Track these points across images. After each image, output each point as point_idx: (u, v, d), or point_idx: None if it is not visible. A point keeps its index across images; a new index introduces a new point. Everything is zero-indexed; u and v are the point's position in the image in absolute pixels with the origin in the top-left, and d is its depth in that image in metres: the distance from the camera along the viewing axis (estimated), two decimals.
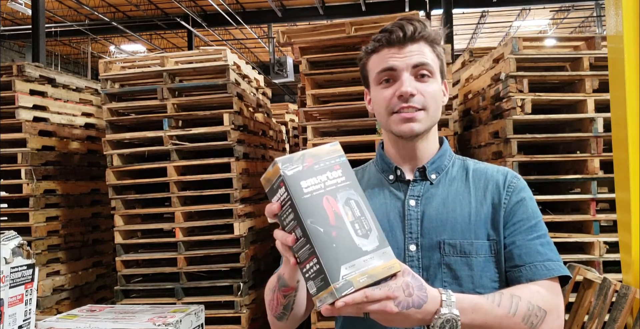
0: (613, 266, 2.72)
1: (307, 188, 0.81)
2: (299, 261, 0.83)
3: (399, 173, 1.11)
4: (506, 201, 1.06)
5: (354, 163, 1.26)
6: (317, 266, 0.79)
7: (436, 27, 1.08)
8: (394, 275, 0.83)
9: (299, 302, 1.03)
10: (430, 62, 1.05)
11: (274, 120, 5.06)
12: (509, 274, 1.04)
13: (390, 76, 1.06)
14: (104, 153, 3.51)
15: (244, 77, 3.91)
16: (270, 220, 0.88)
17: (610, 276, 1.99)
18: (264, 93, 4.50)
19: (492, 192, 1.07)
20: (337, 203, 0.82)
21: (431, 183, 1.09)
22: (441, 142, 1.15)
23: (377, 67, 1.07)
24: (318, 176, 0.83)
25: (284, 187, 0.82)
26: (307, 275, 0.82)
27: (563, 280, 1.03)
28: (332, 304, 0.78)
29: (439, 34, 1.08)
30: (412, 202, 1.07)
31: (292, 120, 6.37)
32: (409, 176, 1.11)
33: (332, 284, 0.77)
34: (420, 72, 1.05)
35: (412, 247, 1.04)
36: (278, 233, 0.86)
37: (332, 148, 0.87)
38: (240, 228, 3.36)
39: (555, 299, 1.00)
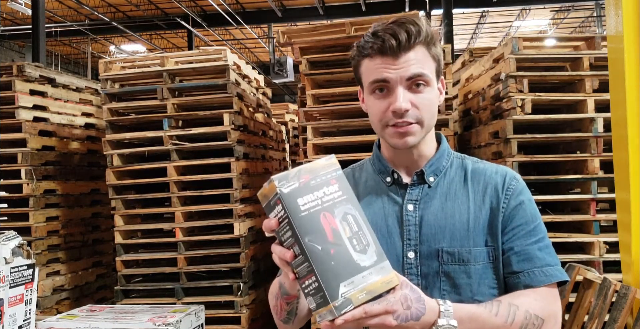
0: (613, 266, 2.72)
1: (304, 205, 0.81)
2: (297, 276, 0.83)
3: (396, 176, 1.09)
4: (505, 205, 1.04)
5: (353, 163, 1.25)
6: (316, 284, 0.79)
7: (436, 27, 1.06)
8: (392, 288, 0.83)
9: (302, 307, 1.04)
10: (425, 72, 1.00)
11: (274, 120, 5.05)
12: (507, 280, 1.03)
13: (383, 87, 1.02)
14: (104, 153, 3.51)
15: (244, 77, 3.91)
16: (267, 235, 0.88)
17: (610, 276, 1.99)
18: (264, 93, 4.50)
19: (491, 196, 1.05)
20: (334, 219, 0.82)
21: (429, 186, 1.07)
22: (439, 140, 1.13)
23: (370, 76, 1.03)
24: (315, 192, 0.82)
25: (281, 205, 0.81)
26: (306, 291, 0.82)
27: (562, 282, 1.04)
28: (332, 321, 0.78)
29: (435, 34, 1.04)
30: (410, 207, 1.05)
31: (292, 120, 6.37)
32: (406, 179, 1.09)
33: (331, 302, 0.77)
34: (415, 82, 1.00)
35: (411, 254, 1.03)
36: (276, 248, 0.86)
37: (328, 162, 0.87)
38: (240, 228, 3.36)
39: (553, 307, 1.00)
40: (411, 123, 1.01)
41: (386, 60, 1.00)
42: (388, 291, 0.82)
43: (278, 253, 0.85)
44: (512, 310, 0.94)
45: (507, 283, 1.03)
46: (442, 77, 1.10)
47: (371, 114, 1.06)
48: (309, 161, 0.93)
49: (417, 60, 1.00)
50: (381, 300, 0.81)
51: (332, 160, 0.87)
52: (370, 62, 1.02)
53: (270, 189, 0.82)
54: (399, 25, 0.99)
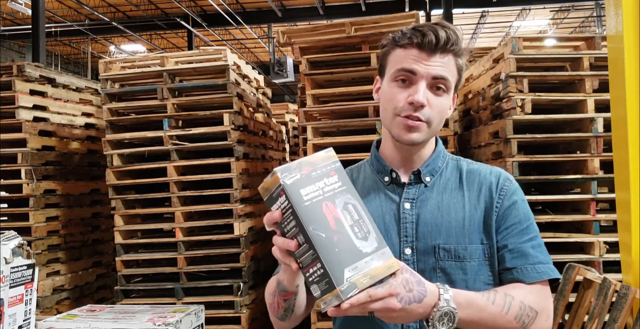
0: (613, 266, 2.72)
1: (307, 195, 0.83)
2: (301, 266, 0.86)
3: (394, 175, 1.12)
4: (498, 205, 1.07)
5: (353, 163, 1.26)
6: (321, 271, 0.81)
7: None
8: (393, 273, 0.86)
9: (299, 304, 1.05)
10: (449, 78, 1.04)
11: (274, 120, 5.05)
12: (501, 276, 1.06)
13: (407, 78, 1.04)
14: (104, 153, 3.51)
15: (244, 77, 3.91)
16: (268, 228, 0.90)
17: (610, 276, 1.99)
18: (264, 93, 4.50)
19: (485, 196, 1.08)
20: (336, 208, 0.85)
21: (425, 186, 1.10)
22: (435, 142, 1.16)
23: (398, 64, 1.05)
24: (316, 183, 0.85)
25: (284, 196, 0.83)
26: (310, 279, 0.84)
27: (552, 280, 1.06)
28: (338, 306, 0.81)
29: (466, 48, 1.08)
30: (407, 205, 1.08)
31: (292, 120, 6.37)
32: (404, 178, 1.12)
33: (337, 287, 0.80)
34: (437, 84, 1.04)
35: (408, 251, 1.06)
36: (278, 240, 0.87)
37: (327, 154, 0.90)
38: (240, 228, 3.36)
39: (546, 301, 1.02)
40: (421, 121, 1.03)
41: (420, 54, 1.03)
42: (389, 276, 0.85)
43: (281, 244, 0.87)
44: (507, 300, 0.97)
45: (500, 279, 1.06)
46: (456, 95, 1.13)
47: (385, 101, 1.08)
48: None
49: (446, 65, 1.04)
50: (384, 284, 0.84)
51: (330, 152, 0.90)
52: (403, 51, 1.05)
53: (273, 181, 0.85)
54: (442, 27, 1.04)
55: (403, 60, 1.04)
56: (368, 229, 0.86)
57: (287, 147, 5.74)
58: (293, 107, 6.70)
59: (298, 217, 0.82)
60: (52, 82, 3.85)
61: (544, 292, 1.03)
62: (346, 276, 0.81)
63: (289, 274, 0.98)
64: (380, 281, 0.84)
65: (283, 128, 5.62)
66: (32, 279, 1.70)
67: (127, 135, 3.54)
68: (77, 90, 4.15)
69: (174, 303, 3.24)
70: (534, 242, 1.06)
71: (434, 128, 1.06)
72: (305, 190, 0.83)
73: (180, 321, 1.94)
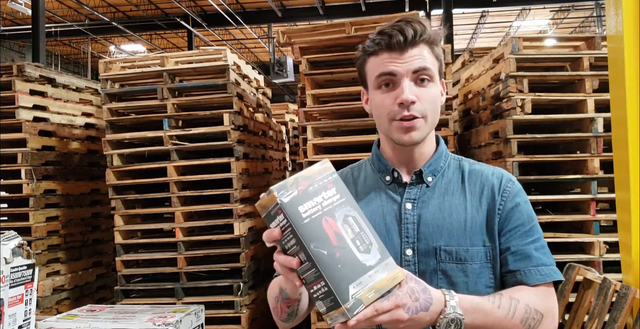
0: (613, 266, 2.72)
1: (306, 212, 0.81)
2: (305, 282, 0.84)
3: (395, 175, 1.11)
4: (501, 207, 1.06)
5: (353, 163, 1.26)
6: (326, 289, 0.80)
7: (436, 27, 1.06)
8: (398, 283, 0.84)
9: (302, 307, 1.05)
10: (430, 66, 1.03)
11: (274, 120, 5.05)
12: (504, 279, 1.06)
13: (389, 81, 1.04)
14: (104, 153, 3.52)
15: (244, 77, 3.91)
16: (268, 245, 0.87)
17: (610, 276, 1.99)
18: (264, 93, 4.50)
19: (487, 198, 1.07)
20: (336, 222, 0.83)
21: (427, 186, 1.09)
22: (437, 142, 1.15)
23: (376, 71, 1.05)
24: (314, 198, 0.83)
25: (282, 214, 0.81)
26: (315, 295, 0.83)
27: (555, 282, 1.05)
28: (344, 322, 0.79)
29: (438, 34, 1.06)
30: (409, 205, 1.07)
31: (292, 120, 6.37)
32: (405, 178, 1.11)
33: (342, 305, 0.78)
34: (420, 76, 1.03)
35: (409, 251, 1.05)
36: (280, 257, 0.86)
37: (323, 166, 0.87)
38: (240, 228, 3.36)
39: (551, 303, 1.02)
40: (416, 118, 1.03)
41: (392, 55, 1.03)
42: (395, 287, 0.84)
43: (282, 261, 0.85)
44: (513, 303, 0.96)
45: (503, 282, 1.06)
46: (443, 79, 1.11)
47: (377, 109, 1.08)
48: (309, 161, 0.93)
49: (422, 56, 1.03)
50: (389, 296, 0.83)
51: (326, 164, 0.88)
52: (377, 58, 1.05)
53: (270, 199, 0.82)
54: (405, 23, 1.03)
55: (379, 66, 1.04)
56: (370, 240, 0.84)
57: (287, 147, 5.75)
58: (293, 107, 6.70)
59: (298, 236, 0.80)
60: (52, 82, 3.85)
61: (549, 294, 1.02)
62: (351, 292, 0.79)
63: (291, 285, 0.97)
64: (387, 293, 0.82)
65: (283, 128, 5.62)
66: (32, 279, 1.70)
67: (127, 135, 3.54)
68: (77, 90, 4.15)
69: (174, 303, 3.24)
70: (537, 244, 1.05)
71: (430, 121, 1.05)
72: (303, 207, 0.81)
73: (180, 321, 1.94)
